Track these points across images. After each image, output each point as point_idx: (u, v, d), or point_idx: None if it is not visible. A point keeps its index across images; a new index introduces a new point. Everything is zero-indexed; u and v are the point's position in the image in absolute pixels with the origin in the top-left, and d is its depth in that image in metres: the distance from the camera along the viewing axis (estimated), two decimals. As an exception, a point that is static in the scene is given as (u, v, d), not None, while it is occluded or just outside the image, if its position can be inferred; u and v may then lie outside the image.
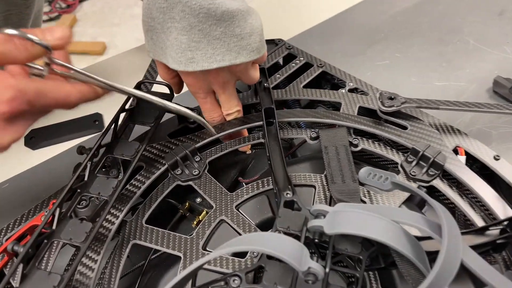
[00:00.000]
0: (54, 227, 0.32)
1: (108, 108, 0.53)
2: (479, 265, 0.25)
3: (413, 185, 0.40)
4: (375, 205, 0.36)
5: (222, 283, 0.30)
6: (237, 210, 0.39)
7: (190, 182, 0.41)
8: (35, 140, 0.56)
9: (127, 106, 0.41)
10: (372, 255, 0.31)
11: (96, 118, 0.58)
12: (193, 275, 0.30)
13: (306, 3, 0.77)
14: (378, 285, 0.33)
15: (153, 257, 0.40)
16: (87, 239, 0.31)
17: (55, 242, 0.32)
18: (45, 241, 0.31)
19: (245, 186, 0.45)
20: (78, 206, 0.36)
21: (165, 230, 0.37)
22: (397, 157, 0.42)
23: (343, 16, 0.71)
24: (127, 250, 0.36)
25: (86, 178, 0.35)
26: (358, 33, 0.68)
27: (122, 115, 0.42)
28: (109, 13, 2.58)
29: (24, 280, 0.29)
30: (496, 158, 0.41)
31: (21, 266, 0.29)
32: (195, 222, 0.41)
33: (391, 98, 0.44)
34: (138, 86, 0.42)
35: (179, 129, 0.47)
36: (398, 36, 0.67)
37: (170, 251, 0.36)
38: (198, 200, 0.43)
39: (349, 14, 0.72)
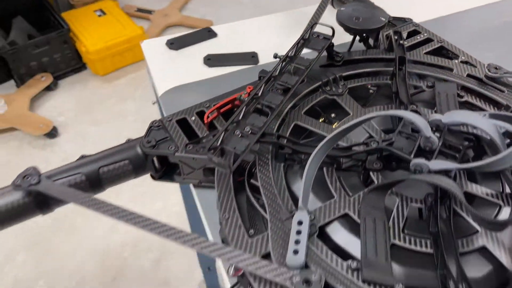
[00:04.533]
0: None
1: (263, 47, 0.71)
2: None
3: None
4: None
5: (363, 147, 0.46)
6: (368, 119, 0.55)
7: (335, 97, 0.57)
8: (210, 61, 0.76)
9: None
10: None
11: (253, 54, 0.78)
12: (354, 127, 0.46)
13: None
14: (466, 178, 0.47)
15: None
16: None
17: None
18: (247, 106, 0.50)
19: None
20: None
21: (317, 120, 0.54)
22: (493, 111, 0.55)
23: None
24: (291, 127, 0.54)
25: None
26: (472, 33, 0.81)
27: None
28: (220, -5, 2.83)
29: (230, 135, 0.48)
30: None
31: (243, 109, 0.48)
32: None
33: (496, 68, 0.57)
34: (311, 26, 0.60)
35: (327, 64, 0.64)
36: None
37: (322, 132, 0.53)
38: (333, 115, 0.60)
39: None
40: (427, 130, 0.41)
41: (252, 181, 0.50)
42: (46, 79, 2.27)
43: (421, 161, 0.41)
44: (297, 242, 0.39)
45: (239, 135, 0.46)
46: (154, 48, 0.78)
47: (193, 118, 0.54)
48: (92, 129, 2.11)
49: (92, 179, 0.48)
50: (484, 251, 0.41)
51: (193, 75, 0.73)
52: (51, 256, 1.63)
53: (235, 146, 0.44)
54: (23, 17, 2.30)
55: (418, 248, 0.41)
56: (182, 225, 1.71)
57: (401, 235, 0.42)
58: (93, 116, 2.22)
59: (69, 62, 2.35)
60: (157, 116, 0.61)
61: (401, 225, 0.43)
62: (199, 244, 0.38)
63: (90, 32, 2.37)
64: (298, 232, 0.40)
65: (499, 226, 0.37)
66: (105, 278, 1.58)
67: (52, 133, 2.04)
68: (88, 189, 0.49)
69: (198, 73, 0.73)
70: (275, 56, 0.55)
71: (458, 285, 0.35)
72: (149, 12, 2.82)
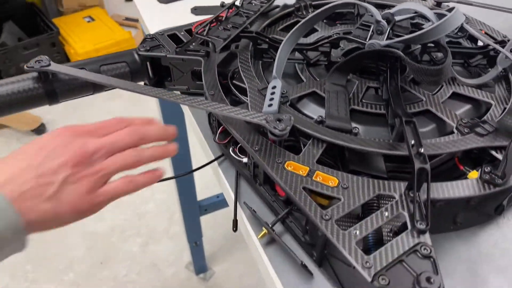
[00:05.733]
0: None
1: None
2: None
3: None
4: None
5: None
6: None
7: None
8: (197, 11, 0.85)
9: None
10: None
11: (236, 7, 0.87)
12: (321, 16, 0.55)
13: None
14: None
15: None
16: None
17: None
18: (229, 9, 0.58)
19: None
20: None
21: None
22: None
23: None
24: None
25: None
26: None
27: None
28: None
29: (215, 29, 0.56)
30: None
31: (226, 11, 0.56)
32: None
33: (441, -4, 0.68)
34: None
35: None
36: None
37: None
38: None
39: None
40: (377, 15, 0.50)
41: (234, 81, 0.57)
42: (35, 79, 2.33)
43: (373, 40, 0.50)
44: (271, 99, 0.47)
45: (222, 29, 0.54)
46: (145, 2, 0.87)
47: (182, 33, 0.62)
48: (80, 126, 2.16)
49: (94, 75, 0.55)
50: (427, 113, 0.50)
51: (181, 21, 0.81)
52: (38, 242, 1.64)
53: (218, 35, 0.53)
54: (14, 23, 2.37)
55: (373, 110, 0.49)
56: (168, 210, 1.74)
57: (360, 103, 0.50)
58: (81, 114, 2.27)
59: (58, 64, 2.42)
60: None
61: (360, 96, 0.51)
62: (194, 101, 0.45)
63: (79, 35, 2.45)
64: (272, 93, 0.47)
65: (434, 73, 0.46)
66: (93, 261, 1.60)
67: (40, 129, 2.08)
68: (90, 84, 0.55)
69: (186, 20, 0.82)
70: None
71: (403, 119, 0.43)
72: (137, 20, 2.92)
